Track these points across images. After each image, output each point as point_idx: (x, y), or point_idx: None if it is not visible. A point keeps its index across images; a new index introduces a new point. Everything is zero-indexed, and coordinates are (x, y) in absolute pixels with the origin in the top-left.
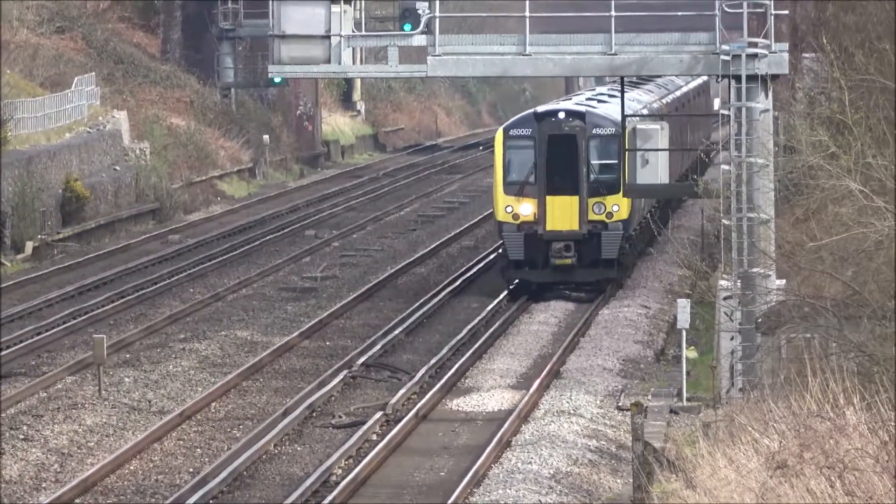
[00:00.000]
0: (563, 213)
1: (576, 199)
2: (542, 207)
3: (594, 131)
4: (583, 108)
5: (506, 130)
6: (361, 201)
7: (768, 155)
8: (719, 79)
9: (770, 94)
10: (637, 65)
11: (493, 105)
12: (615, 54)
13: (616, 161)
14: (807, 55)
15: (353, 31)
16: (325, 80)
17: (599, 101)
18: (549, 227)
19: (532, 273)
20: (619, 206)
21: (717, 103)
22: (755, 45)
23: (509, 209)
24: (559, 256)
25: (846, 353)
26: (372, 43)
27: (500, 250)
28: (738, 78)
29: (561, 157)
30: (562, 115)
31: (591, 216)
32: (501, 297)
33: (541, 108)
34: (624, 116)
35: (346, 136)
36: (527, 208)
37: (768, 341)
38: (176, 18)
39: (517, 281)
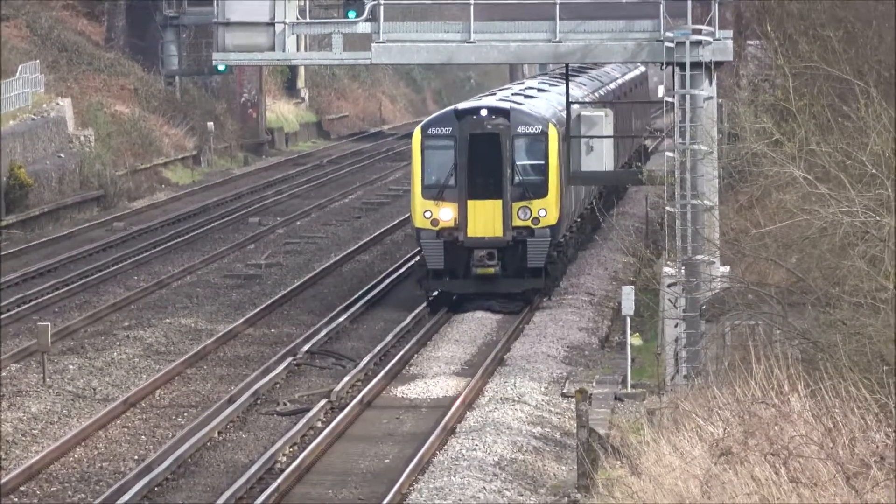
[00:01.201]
0: (485, 219)
1: (499, 203)
2: (463, 212)
3: (519, 130)
4: (507, 105)
5: (423, 129)
6: (306, 188)
7: (712, 142)
8: (663, 66)
9: (714, 81)
10: (582, 52)
11: (437, 92)
12: (560, 42)
13: (543, 162)
14: (751, 42)
15: (298, 19)
16: (269, 68)
17: (527, 96)
18: (470, 233)
19: (452, 283)
20: (546, 211)
21: (661, 90)
22: (699, 32)
23: (428, 214)
24: (482, 265)
25: (790, 340)
26: (316, 30)
27: (418, 258)
28: (682, 65)
29: (484, 157)
30: (484, 112)
31: (516, 222)
32: (419, 309)
33: (462, 105)
34: (569, 103)
35: (290, 124)
36: (447, 213)
37: (712, 328)
38: (120, 6)
39: (436, 292)
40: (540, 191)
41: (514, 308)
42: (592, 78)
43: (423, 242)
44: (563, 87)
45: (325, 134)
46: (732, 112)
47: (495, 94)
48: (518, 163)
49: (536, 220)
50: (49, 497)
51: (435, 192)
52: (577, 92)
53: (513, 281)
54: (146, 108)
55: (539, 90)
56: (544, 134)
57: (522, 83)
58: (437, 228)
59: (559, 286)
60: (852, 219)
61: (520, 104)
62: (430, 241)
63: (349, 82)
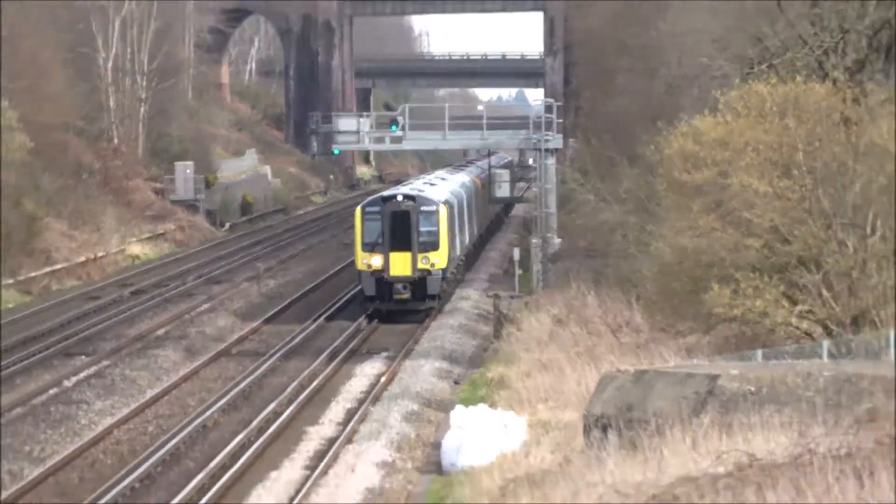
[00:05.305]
0: (401, 264)
1: (409, 254)
2: (387, 260)
3: (422, 208)
4: (415, 193)
5: (362, 208)
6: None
7: (553, 184)
8: (532, 150)
9: (554, 157)
10: (496, 143)
11: (432, 163)
12: (486, 139)
13: (436, 228)
14: (571, 140)
15: (370, 128)
16: (357, 151)
17: (431, 185)
18: (392, 273)
19: (381, 304)
20: (438, 259)
21: (531, 160)
22: (548, 135)
23: (365, 262)
24: (399, 293)
25: (588, 272)
26: (376, 135)
27: (360, 288)
28: (540, 150)
29: (400, 226)
30: (400, 197)
31: (420, 266)
32: (360, 319)
33: (386, 193)
34: (491, 174)
35: (366, 175)
36: (377, 260)
37: (554, 266)
38: (291, 124)
39: (371, 309)
40: (434, 247)
41: (418, 319)
42: (478, 167)
43: (362, 279)
44: (458, 176)
45: (382, 180)
46: (562, 171)
47: (412, 182)
48: (421, 229)
49: (432, 265)
50: None
51: (370, 247)
52: (466, 177)
53: (419, 302)
54: (302, 169)
55: (441, 179)
56: (437, 211)
57: (431, 174)
58: (371, 270)
59: (449, 302)
60: (615, 218)
61: (423, 191)
62: (367, 278)
63: (392, 157)
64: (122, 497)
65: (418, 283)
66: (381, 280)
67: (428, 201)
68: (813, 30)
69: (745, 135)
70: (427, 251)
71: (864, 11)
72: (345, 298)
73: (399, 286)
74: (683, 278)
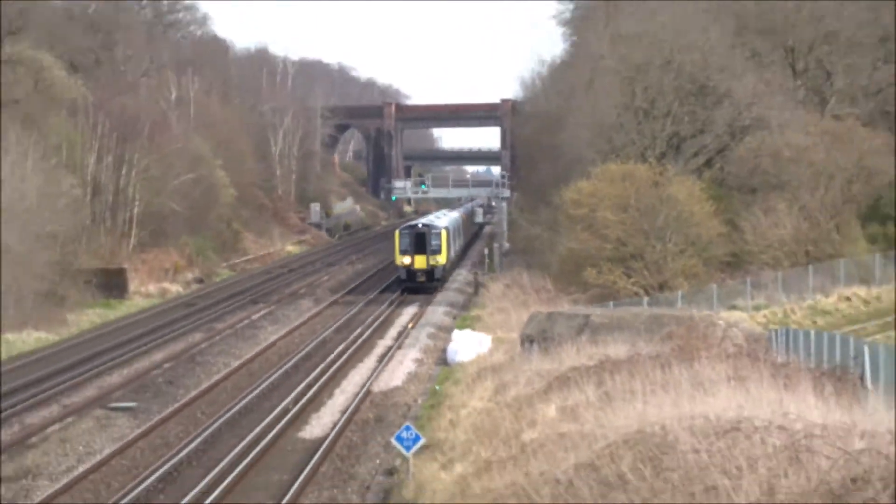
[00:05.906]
0: (420, 261)
1: (425, 256)
2: (412, 259)
3: (432, 231)
4: (429, 222)
5: (399, 230)
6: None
7: (504, 215)
8: (496, 197)
9: (505, 201)
10: (477, 193)
11: (444, 204)
12: (471, 192)
13: (439, 242)
14: (515, 193)
15: (411, 186)
16: (404, 197)
17: (437, 217)
18: (415, 266)
19: (409, 285)
20: (441, 259)
21: (494, 203)
22: (502, 190)
23: (400, 260)
24: (419, 278)
25: (523, 261)
26: (415, 190)
27: (397, 276)
28: (498, 197)
29: (420, 241)
30: (420, 225)
31: (431, 263)
32: (399, 291)
33: (411, 222)
34: (472, 210)
35: (408, 210)
36: (407, 259)
37: (506, 259)
38: (370, 184)
39: (403, 287)
40: (439, 252)
41: (429, 291)
42: (466, 208)
43: (399, 270)
44: (454, 213)
45: (416, 213)
46: (510, 208)
47: (426, 216)
48: (431, 242)
49: (438, 262)
50: None
51: (403, 252)
52: (456, 214)
53: (430, 283)
54: (376, 207)
55: (443, 214)
56: (440, 233)
57: (440, 211)
58: (403, 265)
59: (449, 278)
60: (538, 233)
61: (433, 221)
62: (401, 269)
63: (422, 201)
64: (283, 374)
65: (430, 272)
66: (409, 270)
67: (435, 227)
68: (638, 137)
69: (604, 191)
70: (435, 255)
71: (663, 128)
72: (392, 278)
73: (419, 274)
74: (572, 265)
